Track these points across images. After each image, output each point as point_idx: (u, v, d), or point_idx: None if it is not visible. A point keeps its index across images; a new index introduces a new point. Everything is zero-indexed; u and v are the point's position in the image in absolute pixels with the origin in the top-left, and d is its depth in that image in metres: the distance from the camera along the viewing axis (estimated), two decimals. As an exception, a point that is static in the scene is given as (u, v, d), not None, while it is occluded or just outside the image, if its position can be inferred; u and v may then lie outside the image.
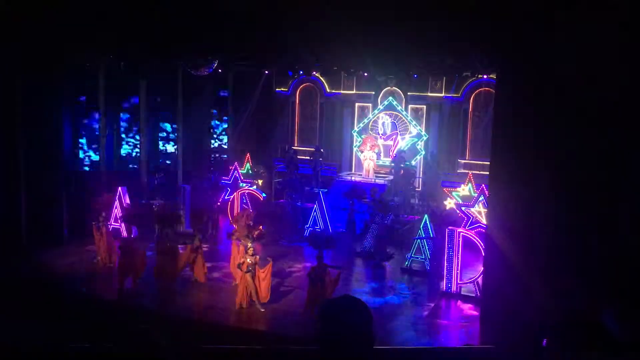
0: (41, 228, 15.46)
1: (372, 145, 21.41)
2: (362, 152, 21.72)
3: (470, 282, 13.60)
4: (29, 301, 11.46)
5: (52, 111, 16.95)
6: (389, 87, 21.88)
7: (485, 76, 18.54)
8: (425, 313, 12.80)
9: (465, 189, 15.89)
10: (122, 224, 15.96)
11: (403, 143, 21.58)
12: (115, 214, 16.50)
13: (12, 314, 10.26)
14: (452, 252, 13.62)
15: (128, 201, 17.45)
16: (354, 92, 22.74)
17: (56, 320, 10.42)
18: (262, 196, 18.55)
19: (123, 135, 20.96)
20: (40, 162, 16.41)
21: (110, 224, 16.30)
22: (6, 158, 16.06)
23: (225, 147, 23.76)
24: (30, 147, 16.15)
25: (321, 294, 11.58)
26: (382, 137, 21.91)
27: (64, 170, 17.37)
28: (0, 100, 15.84)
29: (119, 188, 17.04)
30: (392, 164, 20.77)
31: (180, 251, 13.82)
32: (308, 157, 22.49)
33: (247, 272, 12.16)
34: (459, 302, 13.40)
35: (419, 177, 21.42)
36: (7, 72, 15.48)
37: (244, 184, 18.61)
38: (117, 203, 16.66)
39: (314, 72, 22.48)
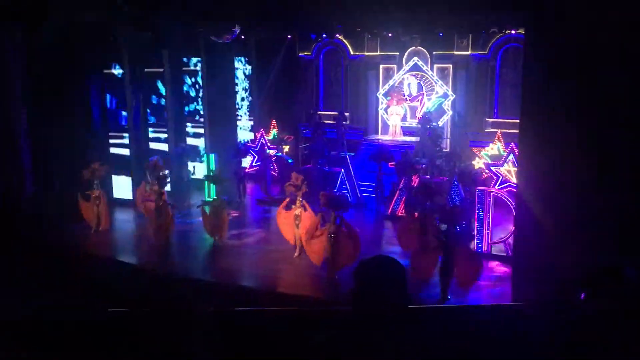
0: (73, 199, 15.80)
1: (399, 100, 21.14)
2: (388, 107, 21.43)
3: (501, 242, 13.54)
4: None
5: (78, 84, 17.12)
6: (413, 47, 21.47)
7: (513, 31, 18.01)
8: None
9: (494, 148, 15.70)
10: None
11: (429, 104, 21.29)
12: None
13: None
14: (483, 212, 13.54)
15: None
16: (378, 53, 22.35)
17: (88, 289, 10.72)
18: (289, 162, 18.59)
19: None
20: (69, 135, 16.64)
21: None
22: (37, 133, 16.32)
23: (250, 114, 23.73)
24: (60, 122, 16.36)
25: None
26: (408, 98, 21.62)
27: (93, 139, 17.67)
28: (27, 76, 16.01)
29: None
30: (419, 126, 20.54)
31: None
32: (334, 122, 22.36)
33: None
34: (490, 262, 13.38)
35: (447, 138, 21.16)
36: (31, 47, 15.63)
37: (271, 150, 18.65)
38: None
39: (337, 35, 22.14)
